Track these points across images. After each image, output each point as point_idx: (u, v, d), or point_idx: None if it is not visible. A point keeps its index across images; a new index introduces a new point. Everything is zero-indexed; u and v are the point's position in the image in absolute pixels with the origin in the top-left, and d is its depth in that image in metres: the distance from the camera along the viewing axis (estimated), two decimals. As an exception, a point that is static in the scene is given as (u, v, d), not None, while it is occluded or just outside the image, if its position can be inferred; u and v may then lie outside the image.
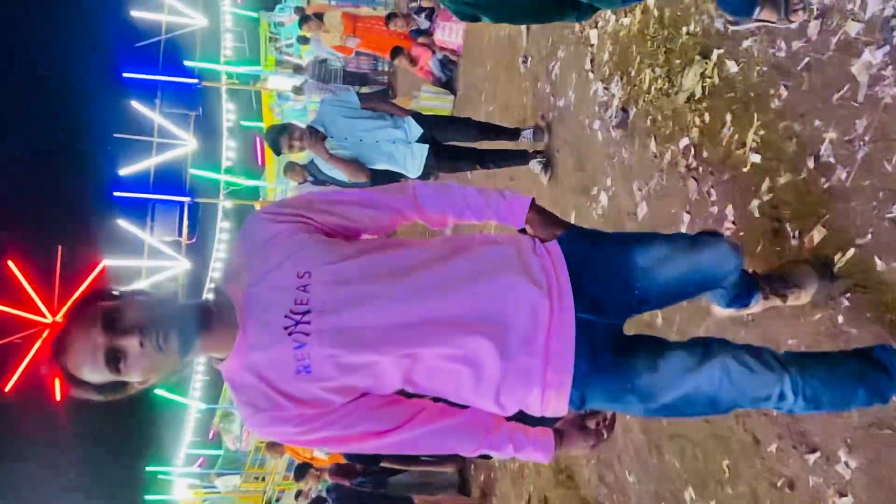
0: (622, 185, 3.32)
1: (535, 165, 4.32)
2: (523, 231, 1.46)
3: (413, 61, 7.62)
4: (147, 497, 19.56)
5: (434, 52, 7.52)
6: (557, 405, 1.33)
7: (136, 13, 16.30)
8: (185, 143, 16.50)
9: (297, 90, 11.94)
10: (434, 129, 3.97)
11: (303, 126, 3.88)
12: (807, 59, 2.09)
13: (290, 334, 1.21)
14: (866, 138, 1.85)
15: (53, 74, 34.79)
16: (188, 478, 18.73)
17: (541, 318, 1.28)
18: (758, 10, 2.12)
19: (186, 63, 16.62)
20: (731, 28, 2.36)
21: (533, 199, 1.44)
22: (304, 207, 1.36)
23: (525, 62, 5.07)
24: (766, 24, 2.18)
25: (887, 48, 1.81)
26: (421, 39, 7.79)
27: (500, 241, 1.41)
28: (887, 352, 1.54)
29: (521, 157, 4.35)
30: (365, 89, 11.72)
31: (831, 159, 1.96)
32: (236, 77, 16.94)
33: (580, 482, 3.54)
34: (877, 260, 1.78)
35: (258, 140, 18.83)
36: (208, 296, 1.32)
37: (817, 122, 2.03)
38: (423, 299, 1.25)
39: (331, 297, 1.23)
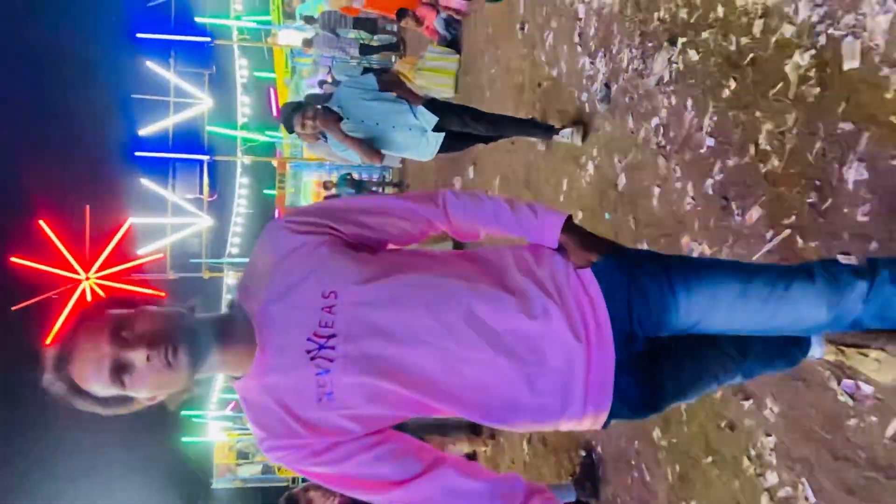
0: (606, 157, 3.59)
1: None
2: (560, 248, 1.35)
3: (419, 21, 7.77)
4: (184, 439, 20.66)
5: (438, 12, 7.65)
6: (592, 427, 1.33)
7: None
8: (201, 102, 16.75)
9: (307, 43, 12.09)
10: (446, 117, 3.95)
11: (318, 105, 3.94)
12: (751, 55, 2.34)
13: (312, 359, 1.15)
14: (794, 131, 2.12)
15: (75, 40, 35.03)
16: (221, 421, 19.70)
17: (578, 367, 1.24)
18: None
19: (198, 19, 16.74)
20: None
21: (568, 218, 1.34)
22: (329, 217, 1.28)
23: (523, 28, 5.25)
24: None
25: (812, 52, 2.06)
26: (426, -1, 7.91)
27: (535, 266, 1.31)
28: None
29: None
30: (374, 42, 11.86)
31: (767, 147, 2.24)
32: (247, 32, 17.02)
33: (571, 424, 3.94)
34: (798, 239, 2.08)
35: (272, 91, 19.02)
36: (225, 310, 1.25)
37: (757, 113, 2.29)
38: (455, 337, 1.19)
39: (358, 322, 1.17)
